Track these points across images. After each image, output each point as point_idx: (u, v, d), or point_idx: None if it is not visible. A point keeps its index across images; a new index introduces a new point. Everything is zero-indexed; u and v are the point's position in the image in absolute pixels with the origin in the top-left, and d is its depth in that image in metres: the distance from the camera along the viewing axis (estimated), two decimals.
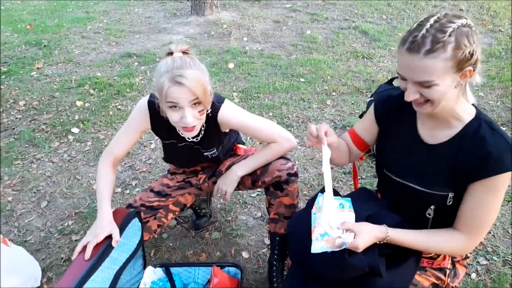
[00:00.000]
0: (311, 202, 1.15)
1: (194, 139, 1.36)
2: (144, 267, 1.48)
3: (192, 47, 4.05)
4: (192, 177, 1.56)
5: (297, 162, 2.27)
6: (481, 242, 1.71)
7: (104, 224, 1.19)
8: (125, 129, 1.37)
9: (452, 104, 0.97)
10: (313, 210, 1.09)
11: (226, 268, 1.52)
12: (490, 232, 1.76)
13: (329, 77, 3.32)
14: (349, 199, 1.13)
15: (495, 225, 1.79)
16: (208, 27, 4.73)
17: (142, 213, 1.41)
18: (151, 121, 1.32)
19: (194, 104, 1.17)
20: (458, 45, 0.87)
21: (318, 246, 0.98)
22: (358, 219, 1.07)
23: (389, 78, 2.24)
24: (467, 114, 0.99)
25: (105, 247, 1.17)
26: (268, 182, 1.38)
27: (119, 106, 2.97)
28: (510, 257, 1.64)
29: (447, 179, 1.02)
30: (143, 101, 1.31)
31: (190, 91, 1.13)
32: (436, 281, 1.14)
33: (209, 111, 1.30)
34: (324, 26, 4.69)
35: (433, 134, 1.05)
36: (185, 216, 1.83)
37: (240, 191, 2.04)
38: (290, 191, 1.38)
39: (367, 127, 1.22)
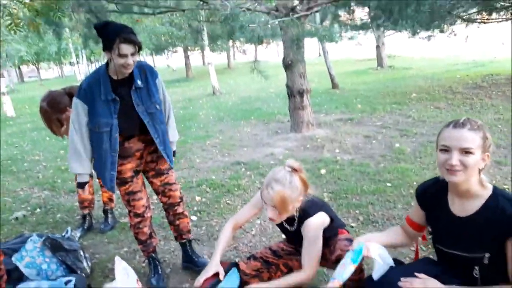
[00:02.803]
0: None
1: (292, 228, 1.83)
2: None
3: (289, 157, 4.73)
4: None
5: None
6: None
7: (213, 264, 1.69)
8: (248, 204, 1.94)
9: (474, 181, 1.31)
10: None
11: None
12: None
13: (415, 183, 3.57)
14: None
15: None
16: (304, 141, 5.45)
17: (259, 264, 1.89)
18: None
19: (274, 207, 1.65)
20: (485, 133, 1.28)
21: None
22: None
23: None
24: (486, 190, 1.32)
25: (215, 281, 1.64)
26: (333, 259, 1.74)
27: (228, 201, 3.60)
28: None
29: (480, 242, 1.30)
30: None
31: (272, 199, 1.63)
32: None
33: (299, 215, 1.76)
34: (413, 140, 5.05)
35: (462, 209, 1.37)
36: None
37: (325, 271, 2.34)
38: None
39: (416, 213, 1.60)
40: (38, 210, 3.87)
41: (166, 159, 2.31)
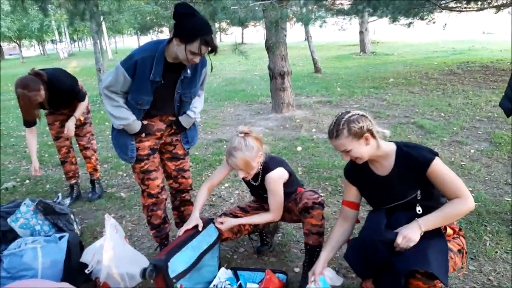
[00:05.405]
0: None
1: (256, 183, 2.08)
2: (219, 268, 2.11)
3: (269, 135, 4.99)
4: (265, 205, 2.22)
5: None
6: (488, 277, 2.04)
7: (194, 218, 1.94)
8: (219, 167, 2.18)
9: (376, 151, 1.62)
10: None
11: (277, 274, 2.07)
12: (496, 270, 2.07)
13: None
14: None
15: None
16: (284, 121, 5.71)
17: None
18: None
19: (241, 170, 1.92)
20: (350, 128, 1.56)
21: None
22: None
23: None
24: (392, 149, 1.64)
25: (194, 232, 1.90)
26: (300, 207, 1.99)
27: (209, 174, 3.85)
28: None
29: (408, 186, 1.60)
30: None
31: (236, 165, 1.90)
32: (459, 247, 1.63)
33: (262, 170, 2.02)
34: (385, 122, 5.37)
35: (383, 169, 1.67)
36: (256, 234, 2.46)
37: (294, 232, 2.62)
38: (315, 215, 1.96)
39: (349, 192, 1.84)
40: (27, 181, 4.05)
41: (181, 141, 2.31)
